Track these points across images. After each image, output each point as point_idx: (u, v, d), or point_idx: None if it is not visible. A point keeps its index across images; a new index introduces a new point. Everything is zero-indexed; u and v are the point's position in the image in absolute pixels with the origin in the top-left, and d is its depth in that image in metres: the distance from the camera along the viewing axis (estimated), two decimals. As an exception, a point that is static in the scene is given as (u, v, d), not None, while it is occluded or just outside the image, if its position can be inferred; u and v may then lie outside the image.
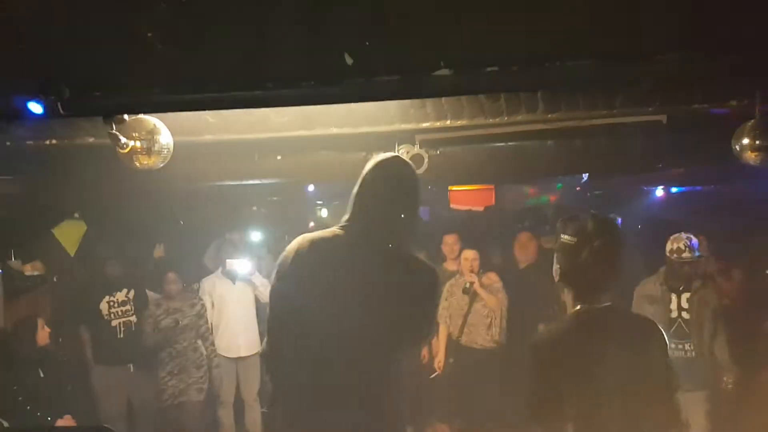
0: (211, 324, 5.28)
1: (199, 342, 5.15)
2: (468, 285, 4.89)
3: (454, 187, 9.07)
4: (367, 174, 2.17)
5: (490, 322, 4.91)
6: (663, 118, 3.62)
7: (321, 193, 8.01)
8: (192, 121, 3.47)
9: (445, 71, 2.08)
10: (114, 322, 5.02)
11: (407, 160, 2.35)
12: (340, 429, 2.04)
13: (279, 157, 3.74)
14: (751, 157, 3.24)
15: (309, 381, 2.06)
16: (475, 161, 4.16)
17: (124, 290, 5.11)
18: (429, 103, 3.34)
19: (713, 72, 2.91)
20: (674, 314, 4.08)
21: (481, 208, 8.33)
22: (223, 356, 5.31)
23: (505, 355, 4.92)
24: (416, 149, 3.79)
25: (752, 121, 3.20)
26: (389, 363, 2.12)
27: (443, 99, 3.29)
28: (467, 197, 9.13)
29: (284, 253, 2.16)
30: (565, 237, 2.04)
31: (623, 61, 2.08)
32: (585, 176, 7.15)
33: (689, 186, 7.20)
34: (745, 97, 3.20)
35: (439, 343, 5.17)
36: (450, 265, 5.45)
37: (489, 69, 2.09)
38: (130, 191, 4.52)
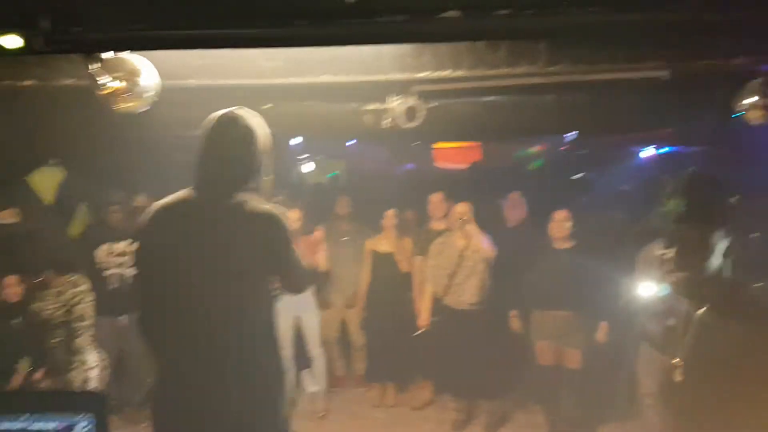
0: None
1: None
2: (461, 220, 4.79)
3: (440, 145, 8.94)
4: (202, 134, 2.27)
5: (475, 282, 4.86)
6: (665, 74, 3.52)
7: (305, 148, 7.83)
8: (176, 65, 3.29)
9: (453, 13, 1.95)
10: (107, 272, 4.92)
11: (240, 114, 2.30)
12: (216, 383, 2.11)
13: (269, 105, 3.55)
14: (756, 115, 3.16)
15: (178, 339, 2.14)
16: (471, 115, 4.03)
17: (128, 240, 4.97)
18: (427, 51, 3.19)
19: (722, 25, 2.83)
20: None
21: (466, 166, 8.21)
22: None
23: (488, 315, 4.90)
24: (411, 100, 3.65)
25: (759, 78, 3.13)
26: (255, 318, 2.17)
27: (442, 48, 3.14)
28: (453, 155, 9.01)
29: (139, 220, 2.27)
30: None
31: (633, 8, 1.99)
32: (570, 136, 7.06)
33: (678, 146, 7.12)
34: (752, 54, 3.10)
35: (424, 302, 5.13)
36: (436, 225, 5.38)
37: (500, 12, 1.97)
38: (111, 138, 4.33)
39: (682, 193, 1.72)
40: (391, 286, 5.45)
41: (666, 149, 7.66)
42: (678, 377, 1.68)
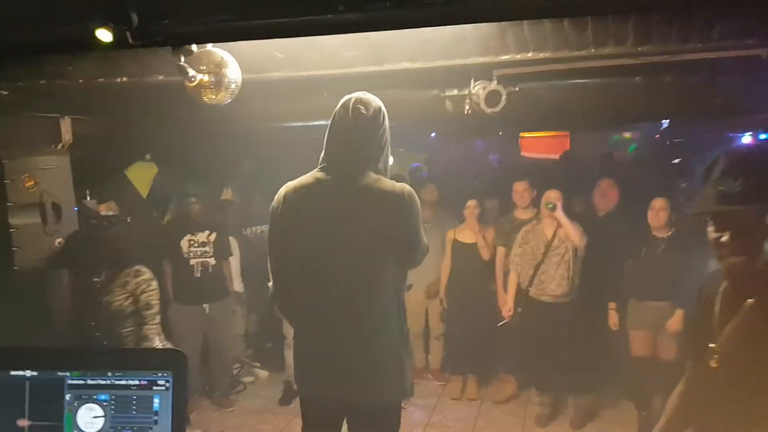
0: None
1: None
2: (552, 205, 4.69)
3: (526, 134, 8.71)
4: (334, 116, 2.38)
5: (563, 273, 4.73)
6: (763, 52, 3.29)
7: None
8: (260, 58, 3.37)
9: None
10: (192, 261, 5.14)
11: (369, 97, 2.38)
12: (341, 348, 2.32)
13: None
14: None
15: (311, 310, 2.37)
16: (554, 100, 3.91)
17: (206, 232, 5.20)
18: (510, 33, 3.10)
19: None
20: None
21: (555, 156, 7.97)
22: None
23: (577, 307, 4.76)
24: (493, 85, 3.58)
25: None
26: (380, 285, 2.33)
27: (525, 29, 3.05)
28: (540, 144, 8.77)
29: (272, 204, 2.41)
30: None
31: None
32: (665, 123, 6.72)
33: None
34: None
35: (509, 292, 5.04)
36: (520, 214, 5.27)
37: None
38: (199, 132, 4.50)
39: (736, 170, 1.52)
40: (472, 276, 5.39)
41: (766, 135, 7.19)
42: (713, 364, 1.58)
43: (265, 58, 3.38)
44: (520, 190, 5.25)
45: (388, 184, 2.33)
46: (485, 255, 5.33)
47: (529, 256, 4.83)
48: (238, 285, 5.61)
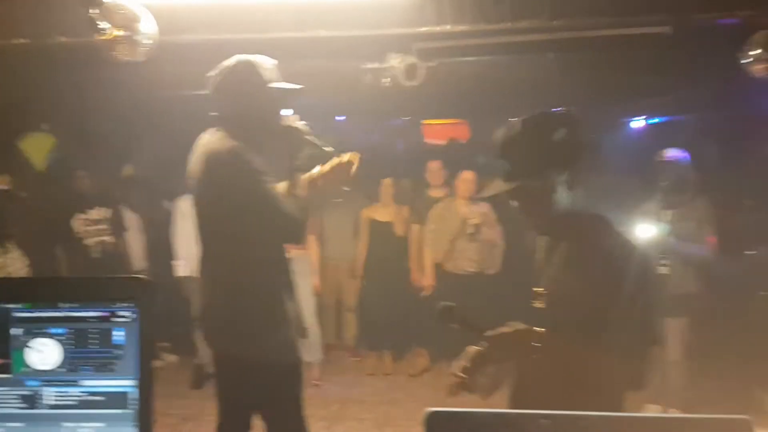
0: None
1: None
2: (473, 231, 4.83)
3: (429, 121, 9.01)
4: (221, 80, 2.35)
5: (477, 248, 4.88)
6: (668, 29, 3.49)
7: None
8: (172, 19, 3.20)
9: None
10: (88, 241, 4.86)
11: (244, 61, 2.35)
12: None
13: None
14: (759, 69, 3.15)
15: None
16: (471, 75, 3.98)
17: (100, 208, 4.93)
18: (429, 4, 3.12)
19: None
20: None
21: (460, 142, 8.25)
22: (200, 279, 5.19)
23: (491, 280, 4.92)
24: (412, 58, 3.60)
25: (764, 31, 3.11)
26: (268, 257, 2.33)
27: (445, 1, 3.08)
28: (441, 131, 9.07)
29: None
30: None
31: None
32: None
33: (671, 116, 7.12)
34: (757, 6, 3.07)
35: (426, 266, 5.13)
36: (435, 192, 5.38)
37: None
38: (102, 100, 4.23)
39: (505, 152, 1.75)
40: (388, 253, 5.44)
41: (657, 120, 7.67)
42: (539, 305, 1.80)
43: (178, 19, 3.22)
44: (435, 169, 5.37)
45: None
46: (400, 232, 5.39)
47: (444, 232, 4.94)
48: (141, 264, 5.35)
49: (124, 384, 0.82)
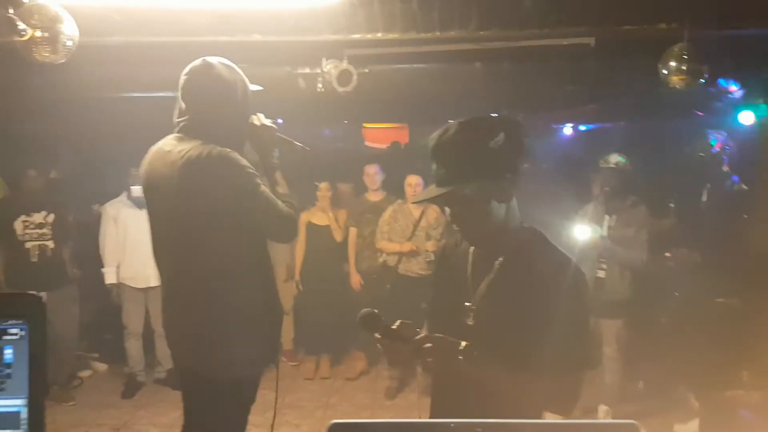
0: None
1: None
2: (425, 234, 4.89)
3: (369, 125, 9.09)
4: (180, 83, 2.29)
5: (430, 249, 4.97)
6: (591, 41, 3.62)
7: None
8: (96, 19, 3.11)
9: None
10: (28, 245, 4.74)
11: (215, 62, 2.30)
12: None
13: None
14: (676, 80, 3.30)
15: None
16: (403, 83, 4.02)
17: (43, 212, 4.79)
18: (360, 11, 3.14)
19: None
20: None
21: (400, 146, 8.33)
22: (131, 287, 5.06)
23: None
24: (344, 64, 3.61)
25: (680, 44, 3.26)
26: (229, 254, 2.25)
27: (375, 7, 3.11)
28: (382, 135, 9.14)
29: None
30: None
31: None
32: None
33: (599, 123, 7.38)
34: (674, 20, 3.21)
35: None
36: (372, 196, 5.41)
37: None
38: (25, 103, 4.07)
39: (437, 157, 1.65)
40: (326, 257, 5.45)
41: (586, 127, 7.93)
42: (470, 321, 1.70)
43: (102, 19, 3.13)
44: (371, 173, 5.39)
45: (229, 154, 2.22)
46: (338, 236, 5.41)
47: (398, 234, 4.99)
48: (71, 270, 5.19)
49: (15, 404, 0.80)
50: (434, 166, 1.65)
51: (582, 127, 7.97)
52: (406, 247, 4.93)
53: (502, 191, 1.64)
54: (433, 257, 4.93)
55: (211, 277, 2.24)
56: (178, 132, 2.28)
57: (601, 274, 4.29)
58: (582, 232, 4.18)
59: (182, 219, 2.21)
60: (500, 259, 1.69)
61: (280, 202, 2.27)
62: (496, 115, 1.71)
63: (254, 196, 2.19)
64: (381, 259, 5.13)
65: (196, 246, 2.23)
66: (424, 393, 5.06)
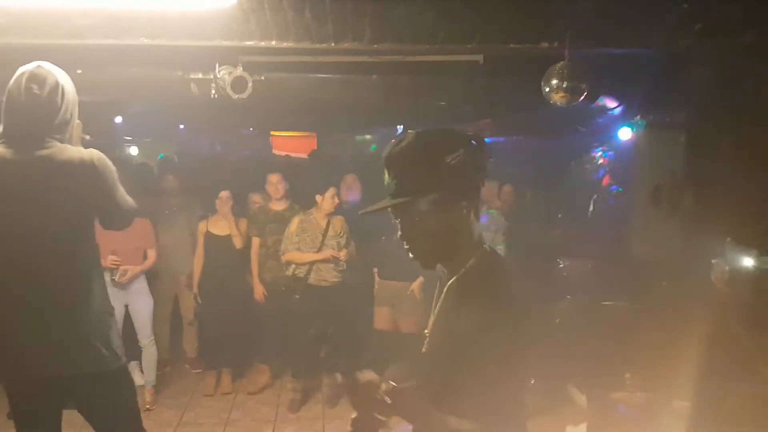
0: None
1: None
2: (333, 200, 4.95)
3: (276, 133, 9.07)
4: (8, 89, 2.28)
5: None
6: (480, 58, 3.77)
7: (129, 127, 7.37)
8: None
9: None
10: None
11: (45, 72, 2.31)
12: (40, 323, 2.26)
13: (79, 71, 3.28)
14: (558, 98, 3.49)
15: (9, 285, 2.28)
16: (299, 91, 4.04)
17: None
18: (253, 18, 3.14)
19: (530, 8, 3.09)
20: None
21: (304, 155, 8.33)
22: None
23: (348, 292, 5.02)
24: (239, 71, 3.60)
25: (561, 63, 3.44)
26: (74, 254, 2.30)
27: (268, 15, 3.11)
28: (290, 143, 9.14)
29: None
30: None
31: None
32: (400, 128, 7.37)
33: (493, 137, 7.63)
34: (556, 40, 3.39)
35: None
36: (275, 205, 5.36)
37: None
38: None
39: (389, 166, 1.55)
40: (227, 268, 5.33)
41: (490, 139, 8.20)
42: (424, 349, 1.62)
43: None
44: (274, 182, 5.34)
45: (74, 151, 2.27)
46: (239, 245, 5.31)
47: (308, 244, 4.95)
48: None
49: None
50: (386, 177, 1.56)
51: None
52: (325, 254, 4.93)
53: (458, 210, 1.52)
54: (345, 266, 4.96)
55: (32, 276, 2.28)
56: None
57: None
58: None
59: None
60: (450, 282, 1.58)
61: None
62: (458, 129, 1.58)
63: (117, 193, 2.35)
64: (289, 271, 5.08)
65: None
66: (329, 403, 5.05)
